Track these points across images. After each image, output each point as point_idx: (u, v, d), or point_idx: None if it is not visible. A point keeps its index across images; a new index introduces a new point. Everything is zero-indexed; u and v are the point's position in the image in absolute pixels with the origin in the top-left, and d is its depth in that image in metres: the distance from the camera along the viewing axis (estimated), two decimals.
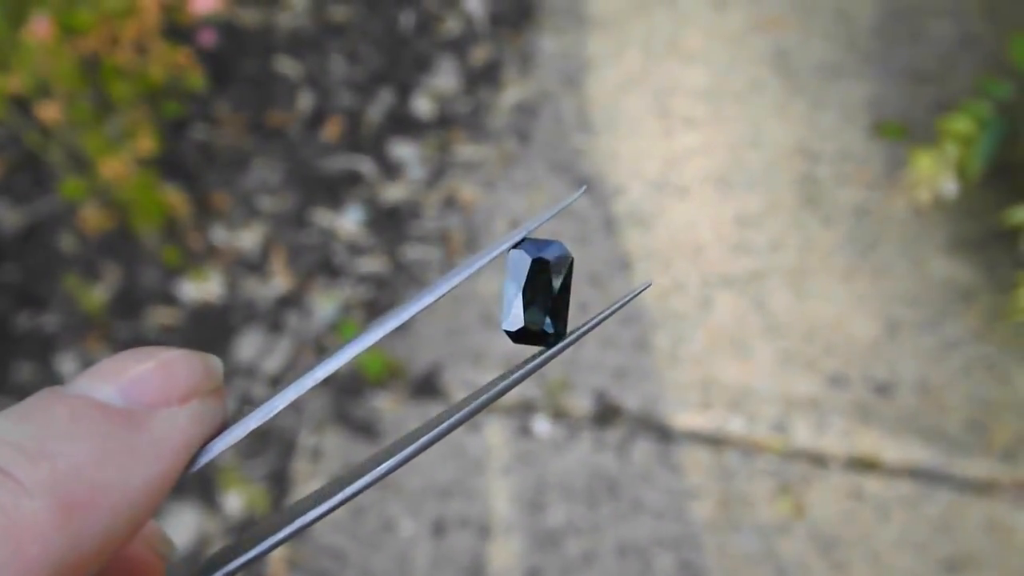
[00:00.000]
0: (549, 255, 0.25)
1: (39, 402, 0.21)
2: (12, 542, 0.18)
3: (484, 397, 0.24)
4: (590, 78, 1.47)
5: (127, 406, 0.21)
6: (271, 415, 0.24)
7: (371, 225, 1.34)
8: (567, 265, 0.25)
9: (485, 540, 1.10)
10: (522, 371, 0.24)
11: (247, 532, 0.24)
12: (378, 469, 0.23)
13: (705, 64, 1.48)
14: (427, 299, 0.24)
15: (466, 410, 0.24)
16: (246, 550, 0.23)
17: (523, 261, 0.25)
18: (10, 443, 0.19)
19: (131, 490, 0.20)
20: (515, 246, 0.25)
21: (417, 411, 1.17)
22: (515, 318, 0.25)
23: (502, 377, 0.25)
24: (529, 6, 1.57)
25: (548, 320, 0.25)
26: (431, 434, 0.23)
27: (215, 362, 0.23)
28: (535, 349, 0.25)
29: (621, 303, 0.25)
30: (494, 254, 0.25)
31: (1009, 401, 1.16)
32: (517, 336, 0.25)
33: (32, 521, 0.19)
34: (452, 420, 0.23)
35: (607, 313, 0.25)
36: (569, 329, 0.25)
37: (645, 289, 0.26)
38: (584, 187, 0.29)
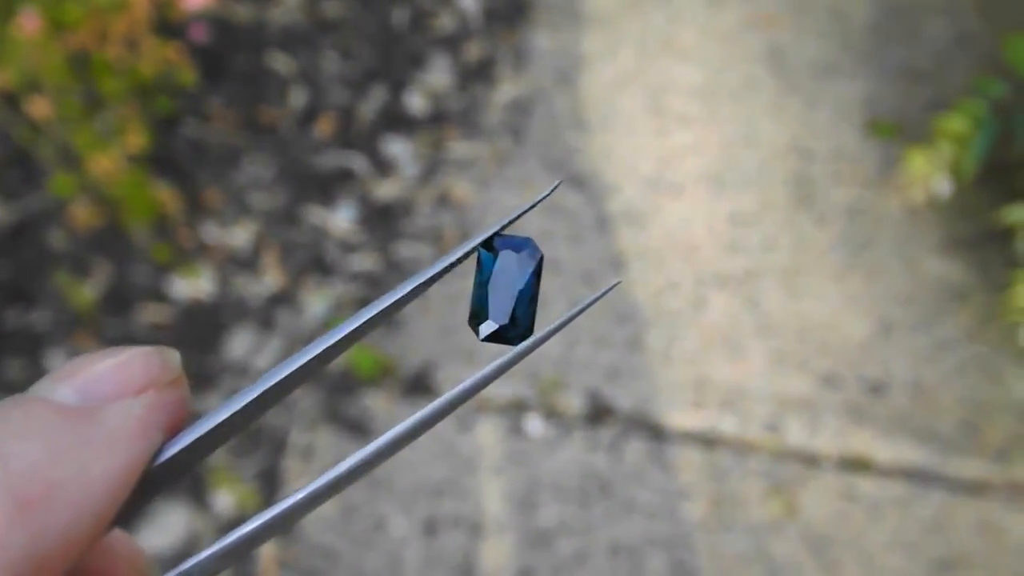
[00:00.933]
0: (519, 252, 0.25)
1: (0, 409, 0.21)
2: None
3: (451, 394, 0.24)
4: (584, 76, 1.47)
5: (81, 403, 0.21)
6: (241, 405, 0.24)
7: (363, 222, 1.34)
8: (536, 262, 0.25)
9: (477, 539, 1.10)
10: (490, 368, 0.24)
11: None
12: (344, 464, 0.23)
13: (699, 62, 1.47)
14: (397, 294, 0.24)
15: (432, 407, 0.24)
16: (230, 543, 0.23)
17: (491, 258, 0.25)
18: None
19: (89, 483, 0.20)
20: (486, 242, 0.25)
21: (409, 409, 1.17)
22: (479, 315, 0.25)
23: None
24: (523, 3, 1.57)
25: (513, 318, 0.25)
26: (396, 430, 0.24)
27: (172, 355, 0.23)
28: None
29: (588, 303, 0.25)
30: (466, 248, 0.25)
31: (1002, 402, 1.16)
32: (484, 336, 0.25)
33: None
34: (418, 417, 0.24)
35: (574, 313, 0.25)
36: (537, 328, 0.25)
37: (612, 288, 0.25)
38: (559, 182, 0.28)
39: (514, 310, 0.25)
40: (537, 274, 0.25)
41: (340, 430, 1.16)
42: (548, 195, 0.26)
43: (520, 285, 0.25)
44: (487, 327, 0.25)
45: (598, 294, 0.25)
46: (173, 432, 0.23)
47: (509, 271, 0.24)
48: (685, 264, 1.28)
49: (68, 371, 0.22)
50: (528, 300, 0.25)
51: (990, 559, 1.07)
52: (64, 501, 0.20)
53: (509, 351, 0.24)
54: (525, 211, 0.25)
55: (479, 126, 1.42)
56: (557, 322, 0.25)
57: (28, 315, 1.26)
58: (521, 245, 0.25)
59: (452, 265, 0.25)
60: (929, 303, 1.24)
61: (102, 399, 0.21)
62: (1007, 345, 1.19)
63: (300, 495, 0.23)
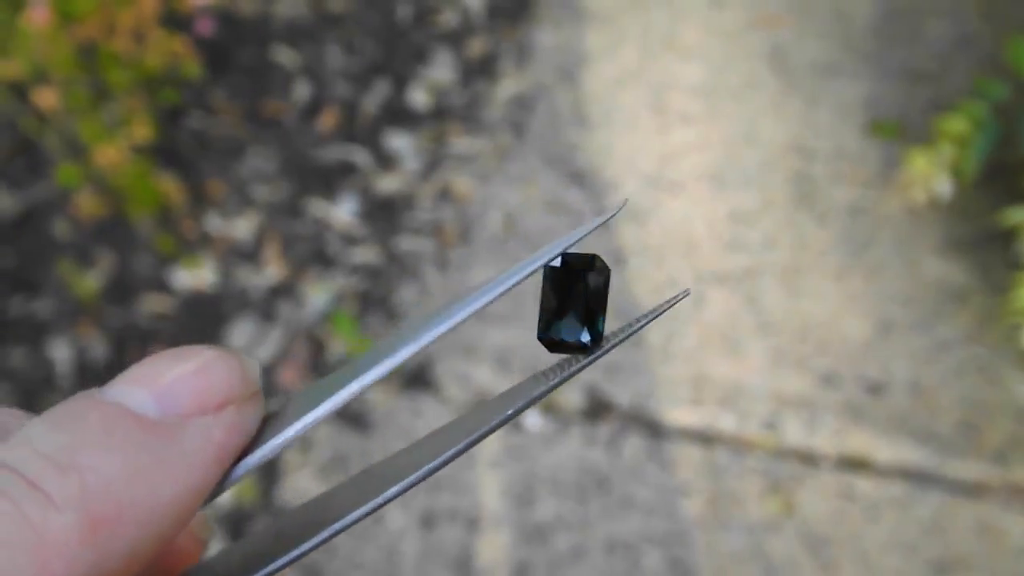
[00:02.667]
0: (584, 267, 0.25)
1: (74, 408, 0.20)
2: (38, 558, 0.18)
3: (521, 403, 0.24)
4: (586, 72, 1.47)
5: (161, 415, 0.21)
6: (319, 420, 0.23)
7: (365, 216, 1.34)
8: (604, 278, 0.25)
9: (474, 533, 1.10)
10: (560, 377, 0.24)
11: (272, 529, 0.24)
12: (415, 474, 0.23)
13: (701, 60, 1.48)
14: (466, 311, 0.24)
15: (500, 417, 0.24)
16: (275, 554, 0.23)
17: (560, 274, 0.25)
18: (42, 453, 0.19)
19: (160, 505, 0.20)
20: (552, 260, 0.25)
21: (408, 403, 1.17)
22: (550, 329, 0.25)
23: (535, 379, 0.25)
24: None
25: (584, 331, 0.25)
26: (467, 440, 0.23)
27: (253, 366, 0.23)
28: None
29: (659, 312, 0.26)
30: (533, 268, 0.24)
31: (1001, 403, 1.16)
32: (552, 346, 0.25)
33: (59, 537, 0.18)
34: (488, 427, 0.23)
35: (644, 322, 0.26)
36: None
37: (684, 297, 0.26)
38: (626, 200, 0.29)
39: (587, 325, 0.25)
40: (605, 288, 0.25)
41: (339, 423, 1.17)
42: (616, 215, 0.26)
43: (590, 299, 0.25)
44: (559, 342, 0.25)
45: (669, 303, 0.26)
46: (245, 449, 0.22)
47: (578, 286, 0.25)
48: (685, 261, 1.28)
49: (145, 374, 0.21)
50: (599, 312, 0.25)
51: (989, 561, 1.07)
52: (134, 523, 0.19)
53: (576, 359, 0.25)
54: (592, 230, 0.25)
55: (481, 121, 1.43)
56: (627, 331, 0.25)
57: (32, 303, 1.27)
58: (589, 262, 0.25)
59: (521, 280, 0.24)
60: (929, 304, 1.24)
61: (181, 411, 0.21)
62: (1007, 347, 1.19)
63: (356, 513, 0.23)
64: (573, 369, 0.25)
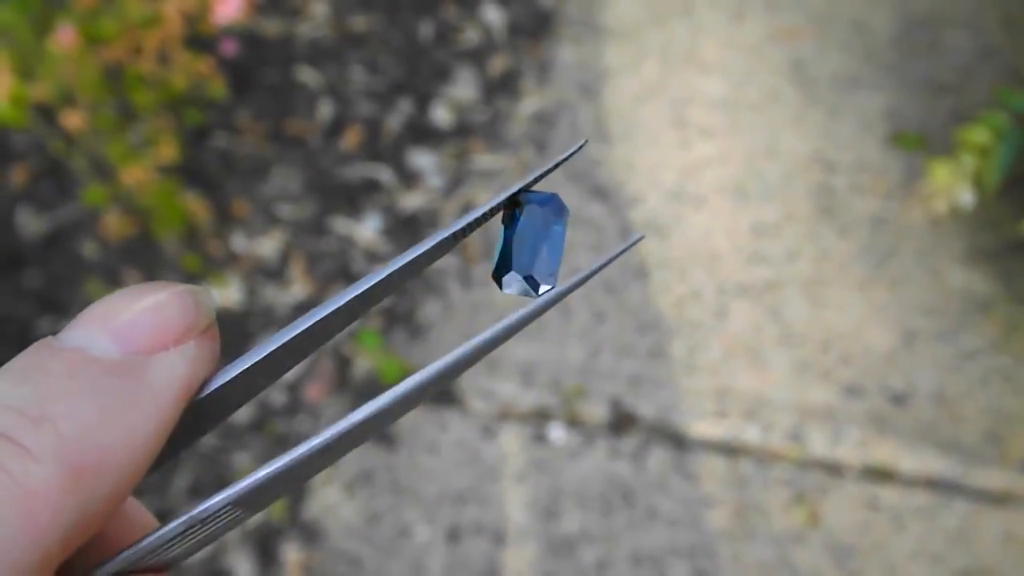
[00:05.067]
0: (544, 207, 0.25)
1: (33, 359, 0.20)
2: (23, 510, 0.18)
3: (476, 341, 0.23)
4: (607, 88, 1.48)
5: (123, 356, 0.21)
6: (269, 351, 0.23)
7: (389, 233, 1.35)
8: (563, 216, 0.25)
9: (500, 547, 1.11)
10: (513, 319, 0.24)
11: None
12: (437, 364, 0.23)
13: (722, 74, 1.48)
14: (428, 244, 0.24)
15: (456, 355, 0.23)
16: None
17: (519, 212, 0.25)
18: (11, 407, 0.19)
19: (136, 445, 0.20)
20: (512, 198, 0.25)
21: (432, 416, 1.18)
22: (504, 267, 0.25)
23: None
24: (547, 17, 1.58)
25: (537, 269, 0.25)
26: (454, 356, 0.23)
27: (205, 295, 0.22)
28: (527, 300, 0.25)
29: (614, 256, 0.25)
30: (493, 204, 0.25)
31: None
32: (505, 284, 0.25)
33: (42, 488, 0.18)
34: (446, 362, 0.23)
35: (599, 266, 0.25)
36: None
37: (637, 242, 0.25)
38: (585, 140, 0.28)
39: (538, 262, 0.25)
40: (562, 228, 0.25)
41: None
42: (574, 153, 0.26)
43: (546, 239, 0.25)
44: (511, 278, 0.25)
45: (624, 246, 0.25)
46: (204, 380, 0.22)
47: (535, 225, 0.25)
48: (708, 274, 1.28)
49: (100, 314, 0.21)
50: (553, 253, 0.25)
51: (1015, 570, 1.07)
52: (113, 466, 0.19)
53: (531, 303, 0.24)
54: (550, 169, 0.25)
55: (503, 138, 1.44)
56: (580, 275, 0.25)
57: (60, 323, 1.28)
58: (547, 200, 0.25)
59: (480, 219, 0.25)
60: (952, 313, 1.24)
61: (141, 350, 0.21)
62: None
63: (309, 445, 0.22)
64: (525, 312, 0.24)
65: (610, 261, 0.25)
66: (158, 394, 0.21)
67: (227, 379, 0.23)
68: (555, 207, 0.25)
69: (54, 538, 0.19)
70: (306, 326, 0.24)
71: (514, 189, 0.25)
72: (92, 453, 0.19)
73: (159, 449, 0.21)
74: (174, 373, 0.21)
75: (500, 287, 0.25)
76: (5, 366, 0.20)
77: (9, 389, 0.20)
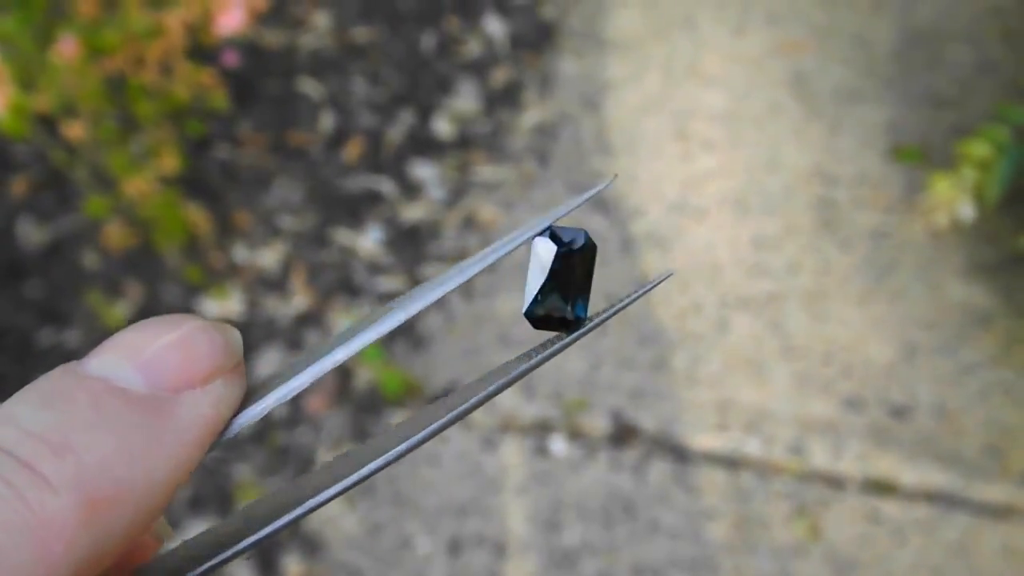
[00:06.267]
0: (573, 243, 0.25)
1: (57, 384, 0.20)
2: (38, 541, 0.18)
3: (503, 380, 0.24)
4: (609, 100, 1.48)
5: (149, 390, 0.20)
6: (290, 395, 0.23)
7: (391, 244, 1.35)
8: (591, 253, 0.25)
9: (501, 559, 1.11)
10: (543, 355, 0.24)
11: (240, 515, 0.23)
12: (395, 450, 0.22)
13: (724, 87, 1.49)
14: (449, 284, 0.24)
15: (484, 392, 0.23)
16: (241, 535, 0.22)
17: (547, 248, 0.25)
18: (32, 433, 0.19)
19: (155, 483, 0.20)
20: (540, 234, 0.25)
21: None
22: (537, 304, 0.25)
23: (521, 359, 0.25)
24: (549, 28, 1.58)
25: (569, 307, 0.25)
26: (449, 416, 0.23)
27: (235, 335, 0.22)
28: (552, 335, 0.25)
29: (642, 291, 0.25)
30: (519, 241, 0.24)
31: None
32: (538, 322, 0.25)
33: (57, 519, 0.18)
34: (470, 402, 0.23)
35: (627, 302, 0.25)
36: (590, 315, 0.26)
37: (666, 279, 0.25)
38: (615, 175, 0.28)
39: (570, 299, 0.25)
40: (591, 264, 0.25)
41: None
42: (603, 189, 0.25)
43: (577, 275, 0.25)
44: (544, 317, 0.25)
45: (653, 283, 0.25)
46: (230, 421, 0.22)
47: (565, 261, 0.25)
48: (709, 287, 1.28)
49: (126, 344, 0.21)
50: (584, 289, 0.25)
51: None
52: (131, 502, 0.19)
53: (560, 338, 0.25)
54: (579, 204, 0.25)
55: (505, 150, 1.44)
56: (609, 311, 0.25)
57: (61, 334, 1.28)
58: (575, 236, 0.25)
59: (506, 254, 0.25)
60: (953, 327, 1.24)
61: (168, 385, 0.20)
62: None
63: (329, 492, 0.22)
64: (556, 347, 0.24)
65: (639, 296, 0.25)
66: (183, 433, 0.20)
67: (254, 418, 0.23)
68: (585, 245, 0.25)
69: (66, 571, 0.18)
70: (332, 367, 0.23)
71: (544, 225, 0.25)
72: (111, 488, 0.19)
73: (180, 487, 0.20)
74: (200, 412, 0.21)
75: (533, 326, 0.25)
76: (26, 388, 0.20)
77: (31, 414, 0.19)
